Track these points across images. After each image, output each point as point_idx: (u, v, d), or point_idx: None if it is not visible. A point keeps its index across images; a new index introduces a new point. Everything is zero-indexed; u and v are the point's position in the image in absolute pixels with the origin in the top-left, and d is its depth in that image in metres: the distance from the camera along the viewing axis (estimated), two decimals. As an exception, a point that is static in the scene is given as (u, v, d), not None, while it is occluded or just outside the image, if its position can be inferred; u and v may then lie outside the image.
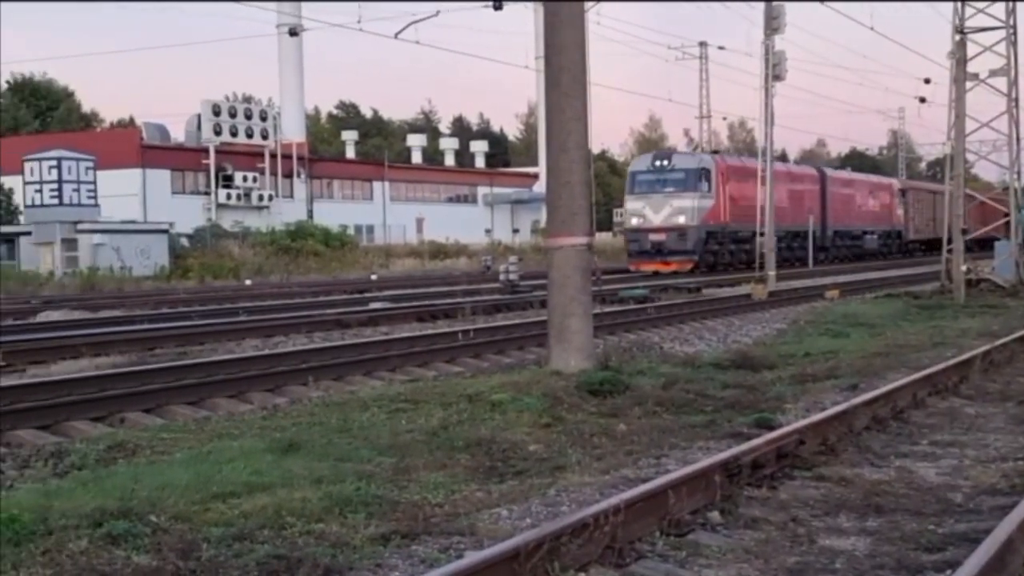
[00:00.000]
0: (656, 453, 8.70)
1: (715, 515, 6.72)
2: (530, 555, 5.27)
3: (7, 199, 56.88)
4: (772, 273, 30.86)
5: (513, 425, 9.47)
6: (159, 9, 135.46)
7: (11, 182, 53.06)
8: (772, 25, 31.77)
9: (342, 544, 6.04)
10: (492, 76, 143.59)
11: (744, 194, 44.09)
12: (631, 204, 45.58)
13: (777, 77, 32.28)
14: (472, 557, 5.34)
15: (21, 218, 49.21)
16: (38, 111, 77.59)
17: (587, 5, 17.04)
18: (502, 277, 31.25)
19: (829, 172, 58.90)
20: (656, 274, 41.77)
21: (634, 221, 44.93)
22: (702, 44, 67.05)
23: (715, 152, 50.91)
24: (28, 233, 45.55)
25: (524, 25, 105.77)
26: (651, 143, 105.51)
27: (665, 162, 45.12)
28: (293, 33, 61.78)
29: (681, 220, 43.56)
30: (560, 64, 12.40)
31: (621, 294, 26.71)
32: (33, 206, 44.88)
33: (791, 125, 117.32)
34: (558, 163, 12.46)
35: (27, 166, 44.82)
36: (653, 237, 43.76)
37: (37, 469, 8.09)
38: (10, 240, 47.48)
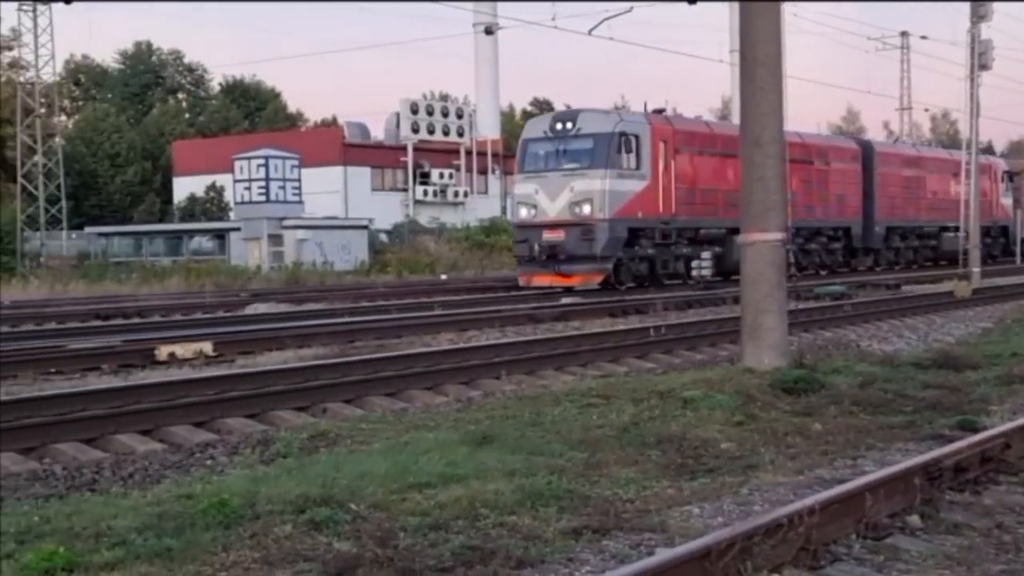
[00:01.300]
0: (852, 454, 8.47)
1: (915, 519, 6.49)
2: (722, 554, 5.21)
3: (218, 196, 59.41)
4: (977, 270, 29.69)
5: (705, 422, 9.38)
6: (359, 9, 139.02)
7: (223, 180, 55.41)
8: (978, 13, 30.56)
9: (534, 537, 6.08)
10: (685, 70, 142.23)
11: (706, 173, 31.88)
12: (519, 188, 30.83)
13: (983, 67, 31.17)
14: (663, 554, 5.31)
15: (231, 214, 51.30)
16: (247, 112, 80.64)
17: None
18: (694, 273, 31.25)
19: (877, 147, 43.20)
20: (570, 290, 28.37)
21: (523, 213, 30.17)
22: (903, 34, 65.03)
23: (658, 111, 32.95)
24: (237, 229, 47.41)
25: (718, 19, 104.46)
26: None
27: (568, 124, 29.71)
28: (489, 32, 62.53)
29: (585, 211, 28.70)
30: (755, 57, 12.20)
31: (816, 291, 26.22)
32: (242, 203, 46.65)
33: (998, 116, 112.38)
34: (752, 158, 12.27)
35: (236, 165, 46.61)
36: (547, 236, 29.08)
37: (245, 456, 8.42)
38: (221, 236, 49.54)
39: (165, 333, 17.29)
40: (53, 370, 13.49)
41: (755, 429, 9.26)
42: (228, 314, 23.53)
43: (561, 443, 8.39)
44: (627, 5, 32.67)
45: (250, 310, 24.29)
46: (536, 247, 29.11)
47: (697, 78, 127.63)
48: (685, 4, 35.65)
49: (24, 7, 49.70)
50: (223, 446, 8.88)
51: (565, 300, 25.14)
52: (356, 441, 8.83)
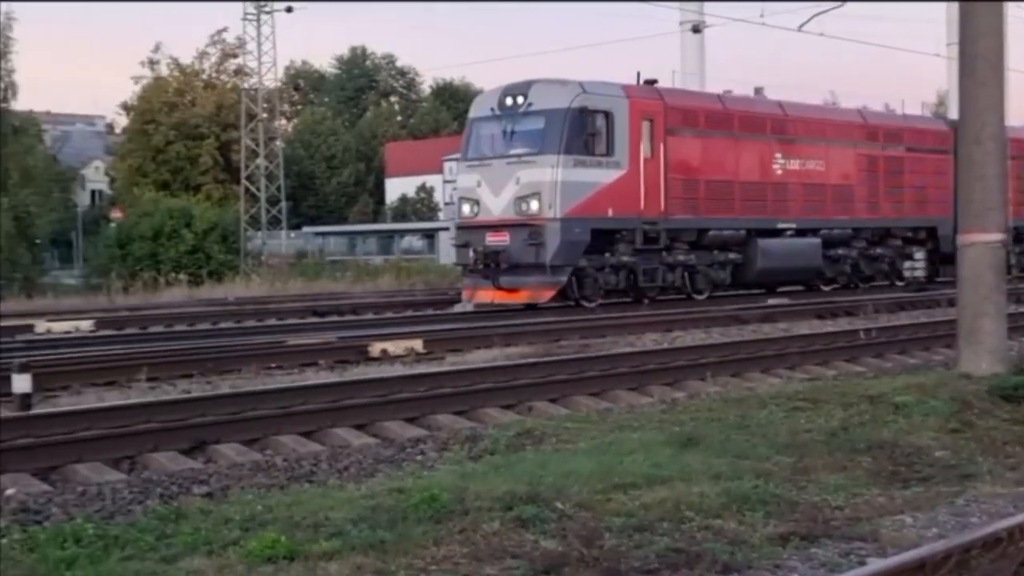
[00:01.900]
0: (1078, 466, 8.05)
1: None
2: (937, 567, 5.04)
3: (428, 196, 60.75)
4: None
5: (918, 429, 9.06)
6: (561, 10, 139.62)
7: (432, 180, 56.63)
8: None
9: (740, 542, 6.01)
10: (898, 65, 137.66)
11: (717, 161, 25.62)
12: (461, 180, 25.13)
13: None
14: (875, 565, 5.17)
15: (440, 215, 52.41)
16: (456, 113, 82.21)
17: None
18: (906, 274, 30.12)
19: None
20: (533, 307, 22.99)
21: (465, 211, 24.16)
22: None
23: (650, 83, 25.55)
24: (446, 228, 48.42)
25: (935, 12, 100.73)
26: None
27: (518, 99, 23.51)
28: (696, 30, 61.92)
29: (532, 208, 22.67)
30: (974, 51, 11.72)
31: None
32: (450, 203, 47.62)
33: None
34: (971, 155, 11.79)
35: (446, 166, 47.60)
36: (490, 240, 23.11)
37: (454, 452, 8.59)
38: (430, 235, 50.67)
39: (378, 330, 17.78)
40: (274, 365, 14.05)
41: (971, 437, 8.90)
42: (438, 312, 24.02)
43: (767, 447, 8.25)
44: (838, 2, 30.96)
45: (457, 308, 24.73)
46: (477, 253, 22.86)
47: (911, 72, 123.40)
48: (898, -1, 34.46)
49: (248, 16, 51.92)
50: (433, 442, 9.09)
51: (771, 301, 24.67)
52: (561, 440, 8.89)
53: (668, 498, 6.68)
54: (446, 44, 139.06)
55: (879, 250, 29.99)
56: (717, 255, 25.88)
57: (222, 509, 6.52)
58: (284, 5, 50.90)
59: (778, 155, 27.12)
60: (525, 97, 23.40)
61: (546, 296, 22.84)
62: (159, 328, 20.91)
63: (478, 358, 14.96)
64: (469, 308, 23.60)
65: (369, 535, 5.86)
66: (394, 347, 15.18)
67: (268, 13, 51.85)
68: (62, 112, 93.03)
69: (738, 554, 5.80)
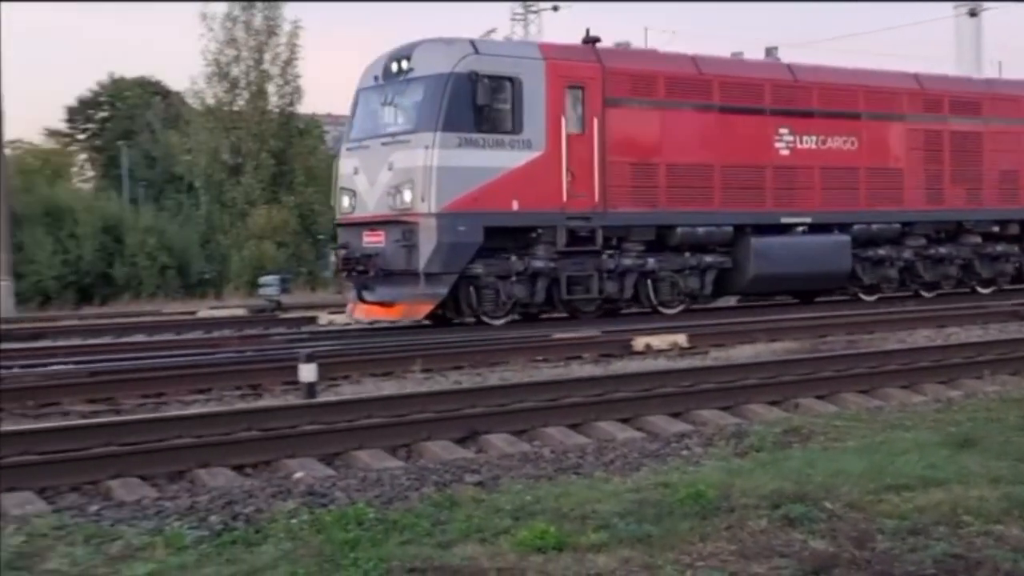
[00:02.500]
0: None
1: None
2: None
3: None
4: None
5: None
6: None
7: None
8: None
9: (1023, 549, 5.69)
10: None
11: (685, 139, 20.53)
12: (341, 166, 19.89)
13: None
14: None
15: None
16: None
17: None
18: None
19: None
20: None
21: (344, 204, 19.59)
22: None
23: (590, 41, 20.27)
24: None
25: None
26: None
27: (403, 64, 18.97)
28: (973, 14, 58.99)
29: (404, 200, 18.19)
30: None
31: None
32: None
33: None
34: None
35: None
36: (366, 241, 18.93)
37: (720, 448, 8.49)
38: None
39: (641, 324, 17.78)
40: (540, 358, 14.27)
41: None
42: (700, 307, 23.79)
43: (1052, 450, 7.77)
44: None
45: (721, 302, 24.42)
46: (349, 257, 18.67)
47: None
48: None
49: (516, 17, 52.90)
50: (698, 437, 9.01)
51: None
52: (829, 438, 8.65)
53: (944, 501, 6.39)
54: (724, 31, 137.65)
55: (945, 249, 24.00)
56: (689, 258, 20.59)
57: (493, 498, 6.68)
58: (551, 4, 51.60)
59: (783, 131, 21.60)
60: (409, 61, 18.77)
61: (421, 312, 18.17)
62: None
63: (742, 353, 14.74)
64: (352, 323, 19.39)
65: (635, 529, 5.87)
66: (658, 341, 15.15)
67: (535, 12, 52.68)
68: (342, 114, 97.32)
69: (1021, 562, 5.49)
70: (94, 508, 6.72)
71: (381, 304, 18.37)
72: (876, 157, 22.99)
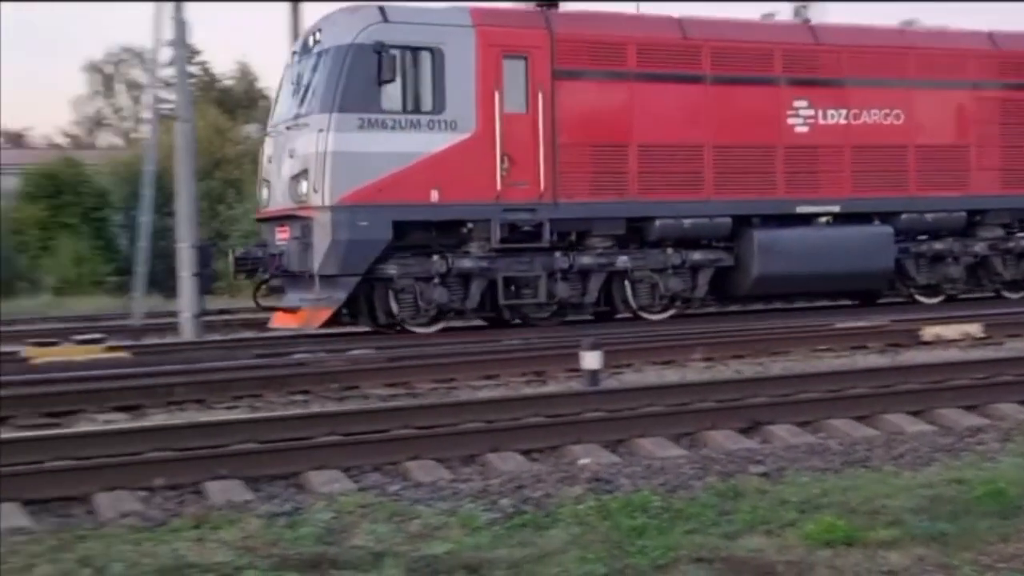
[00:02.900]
0: None
1: None
2: None
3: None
4: None
5: None
6: None
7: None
8: None
9: None
10: None
11: (662, 116, 17.54)
12: (263, 154, 18.14)
13: None
14: None
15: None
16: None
17: None
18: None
19: None
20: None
21: (262, 196, 17.67)
22: None
23: (547, 4, 17.68)
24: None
25: None
26: None
27: (316, 36, 16.81)
28: None
29: (302, 191, 16.11)
30: None
31: None
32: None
33: None
34: None
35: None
36: (277, 238, 16.89)
37: (1019, 444, 8.04)
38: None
39: (932, 314, 17.03)
40: (823, 347, 13.90)
41: None
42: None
43: None
44: None
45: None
46: (248, 258, 16.90)
47: None
48: None
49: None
50: (994, 432, 8.55)
51: None
52: None
53: None
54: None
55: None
56: (672, 255, 17.58)
57: (778, 490, 6.59)
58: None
59: (800, 104, 18.33)
60: (320, 33, 16.66)
61: (318, 320, 15.85)
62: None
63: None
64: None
65: (929, 526, 5.66)
66: (949, 331, 14.47)
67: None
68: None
69: None
70: (394, 488, 7.05)
71: (287, 310, 16.38)
72: (932, 133, 19.20)
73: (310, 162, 15.77)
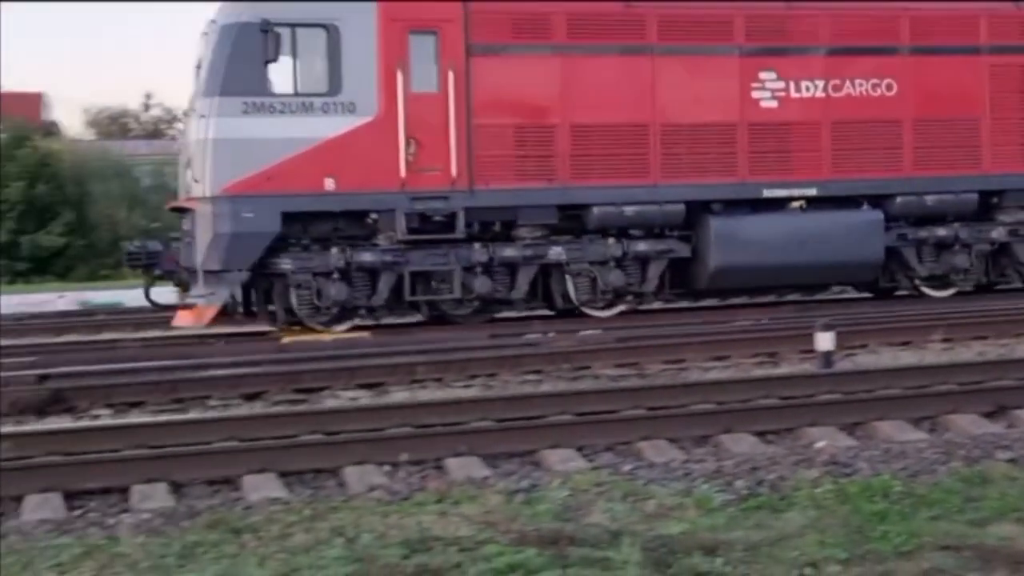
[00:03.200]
0: None
1: None
2: None
3: None
4: None
5: None
6: None
7: None
8: None
9: None
10: None
11: (594, 93, 15.42)
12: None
13: None
14: None
15: None
16: None
17: None
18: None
19: None
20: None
21: (180, 186, 16.37)
22: None
23: None
24: None
25: None
26: None
27: (216, 12, 15.26)
28: None
29: (191, 181, 14.90)
30: None
31: None
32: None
33: None
34: None
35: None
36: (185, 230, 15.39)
37: None
38: None
39: None
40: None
41: None
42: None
43: None
44: None
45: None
46: (138, 252, 15.53)
47: None
48: None
49: None
50: None
51: None
52: None
53: None
54: None
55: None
56: (613, 246, 15.66)
57: (1029, 476, 6.30)
58: None
59: (766, 76, 16.06)
60: (219, 10, 15.31)
61: (206, 317, 14.49)
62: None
63: None
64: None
65: None
66: None
67: None
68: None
69: None
70: (627, 467, 7.09)
71: (184, 307, 14.94)
72: (932, 105, 16.63)
73: (195, 150, 14.78)
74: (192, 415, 9.37)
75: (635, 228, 15.79)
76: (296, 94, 14.66)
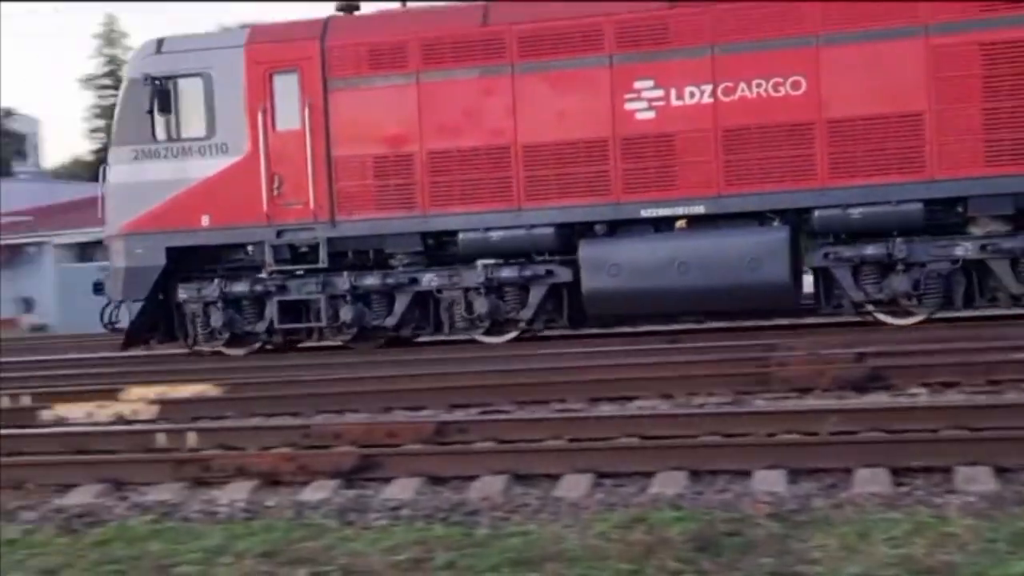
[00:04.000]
0: None
1: None
2: None
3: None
4: None
5: None
6: None
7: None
8: None
9: None
10: None
11: (451, 119, 15.28)
12: None
13: None
14: None
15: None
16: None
17: None
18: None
19: None
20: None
21: None
22: None
23: (349, 10, 16.59)
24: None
25: None
26: None
27: None
28: None
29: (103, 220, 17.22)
30: None
31: None
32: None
33: None
34: None
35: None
36: None
37: None
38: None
39: None
40: None
41: None
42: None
43: None
44: None
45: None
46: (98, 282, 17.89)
47: None
48: None
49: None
50: None
51: None
52: None
53: None
54: None
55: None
56: (490, 273, 15.24)
57: None
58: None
59: (643, 85, 14.70)
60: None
61: (123, 346, 16.65)
62: None
63: None
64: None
65: None
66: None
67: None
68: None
69: None
70: None
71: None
72: (853, 102, 14.14)
73: (102, 193, 16.82)
74: (1010, 397, 8.71)
75: (504, 255, 15.29)
76: (178, 139, 16.16)
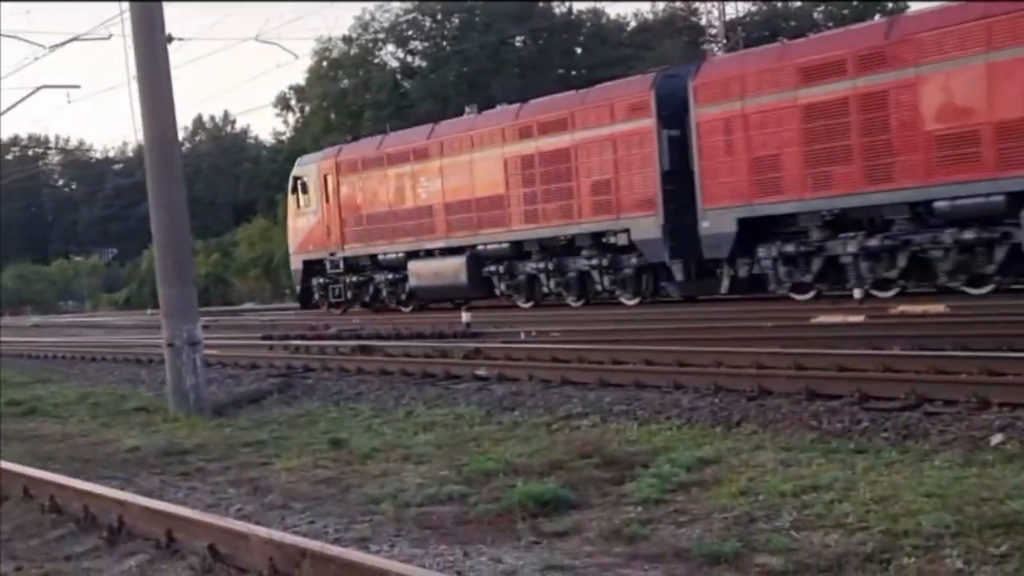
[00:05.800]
0: None
1: None
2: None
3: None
4: None
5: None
6: None
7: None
8: None
9: None
10: None
11: (371, 196, 29.34)
12: None
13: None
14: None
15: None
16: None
17: None
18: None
19: None
20: None
21: None
22: None
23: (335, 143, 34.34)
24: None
25: None
26: None
27: None
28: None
29: None
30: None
31: None
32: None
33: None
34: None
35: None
36: None
37: None
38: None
39: None
40: None
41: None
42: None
43: None
44: None
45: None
46: None
47: None
48: None
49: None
50: None
51: None
52: None
53: None
54: None
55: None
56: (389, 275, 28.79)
57: None
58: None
59: (422, 179, 27.10)
60: None
61: None
62: None
63: None
64: None
65: None
66: None
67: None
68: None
69: None
70: None
71: None
72: (485, 186, 25.59)
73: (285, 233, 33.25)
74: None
75: (392, 266, 29.46)
76: (307, 206, 30.97)
